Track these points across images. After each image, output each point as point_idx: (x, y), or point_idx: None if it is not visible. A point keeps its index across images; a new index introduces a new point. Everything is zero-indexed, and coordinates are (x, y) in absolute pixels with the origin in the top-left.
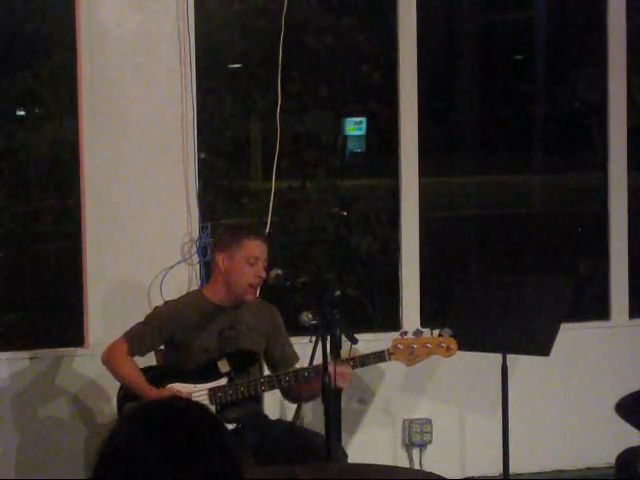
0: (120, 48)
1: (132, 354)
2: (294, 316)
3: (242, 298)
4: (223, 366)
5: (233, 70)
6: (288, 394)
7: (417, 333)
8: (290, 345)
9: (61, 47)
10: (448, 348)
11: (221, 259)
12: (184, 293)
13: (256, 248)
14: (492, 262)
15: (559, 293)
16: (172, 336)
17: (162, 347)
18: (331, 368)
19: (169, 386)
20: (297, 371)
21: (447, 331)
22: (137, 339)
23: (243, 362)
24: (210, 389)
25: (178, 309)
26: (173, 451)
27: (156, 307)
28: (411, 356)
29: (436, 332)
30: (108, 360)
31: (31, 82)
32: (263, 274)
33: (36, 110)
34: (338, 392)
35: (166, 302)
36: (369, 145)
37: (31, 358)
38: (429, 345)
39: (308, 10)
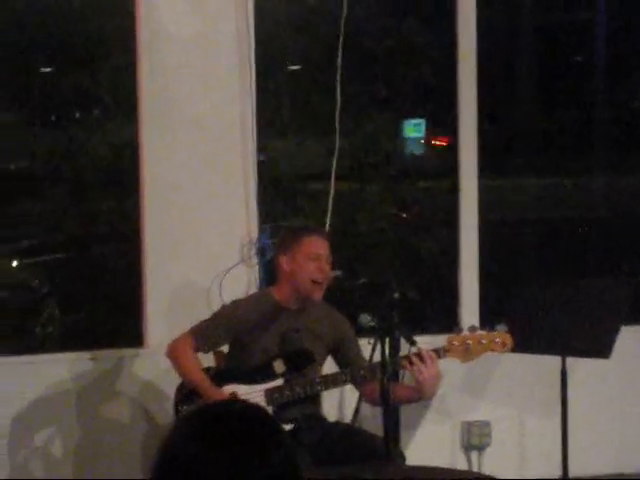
0: (179, 49)
1: (196, 350)
2: (353, 318)
3: (309, 297)
4: (278, 366)
5: (292, 71)
6: (366, 396)
7: (472, 329)
8: (360, 353)
9: (120, 48)
10: (503, 344)
11: (284, 261)
12: (246, 294)
13: (316, 244)
14: (552, 264)
15: (619, 295)
16: (237, 335)
17: (222, 348)
18: (428, 372)
19: (226, 388)
20: (353, 370)
21: (502, 327)
22: (203, 335)
23: (299, 362)
24: (266, 390)
25: (244, 308)
26: (231, 453)
27: (223, 305)
28: (466, 353)
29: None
30: (172, 354)
31: (90, 84)
32: (327, 269)
33: (95, 112)
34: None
35: (233, 301)
36: (428, 147)
37: (91, 359)
38: (484, 341)
39: (367, 12)
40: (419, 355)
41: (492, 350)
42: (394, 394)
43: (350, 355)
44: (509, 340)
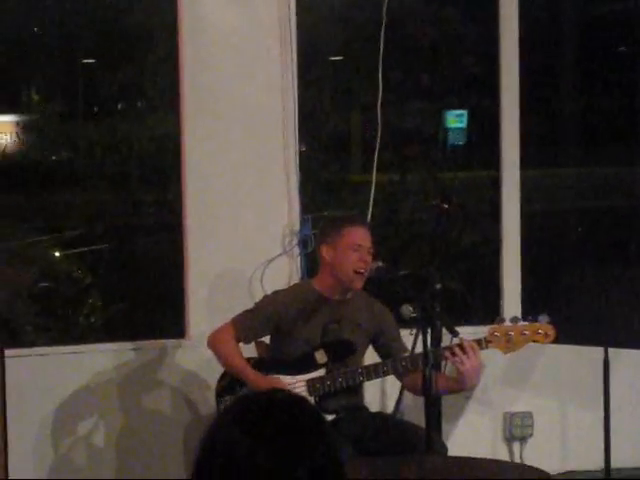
0: (221, 40)
1: (238, 340)
2: (395, 309)
3: (350, 286)
4: (320, 357)
5: (334, 62)
6: (408, 385)
7: (514, 320)
8: (401, 343)
9: (163, 40)
10: (546, 335)
11: (325, 250)
12: (287, 285)
13: (358, 235)
14: (594, 255)
15: None
16: (278, 326)
17: (263, 339)
18: (469, 363)
19: (272, 376)
20: (395, 361)
21: (544, 317)
22: (244, 326)
23: (340, 353)
24: (308, 380)
25: (286, 299)
26: (275, 444)
27: (265, 296)
28: (508, 344)
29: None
30: (214, 344)
31: (133, 76)
32: (368, 259)
33: (138, 103)
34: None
35: (275, 291)
36: (470, 137)
37: (134, 349)
38: (526, 332)
39: (410, 1)
40: (461, 346)
41: (534, 341)
42: (436, 385)
43: (391, 345)
44: (552, 331)
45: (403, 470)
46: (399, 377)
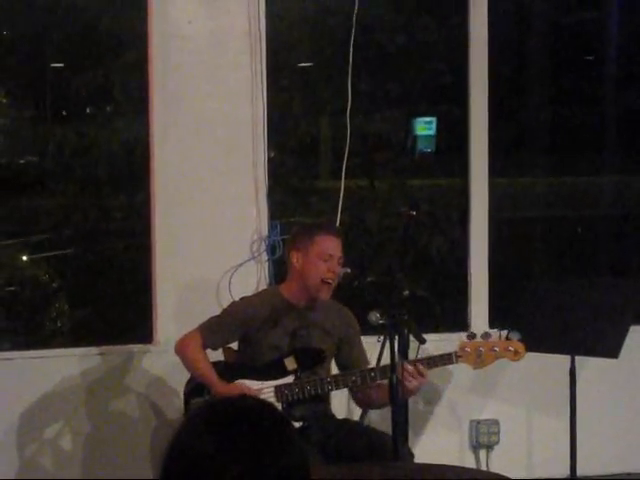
0: (191, 46)
1: (205, 346)
2: (362, 315)
3: (316, 295)
4: (290, 364)
5: (303, 69)
6: (358, 398)
7: (485, 336)
8: (363, 351)
9: (132, 45)
10: (516, 352)
11: (295, 257)
12: (255, 290)
13: (329, 244)
14: (561, 263)
15: (628, 295)
16: (246, 332)
17: (231, 345)
18: (416, 382)
19: (238, 381)
20: (364, 371)
21: (515, 334)
22: (211, 332)
23: (310, 360)
24: (276, 387)
25: (253, 305)
26: (240, 450)
27: (232, 302)
28: (478, 359)
29: (504, 335)
30: (181, 349)
31: (102, 80)
32: (337, 270)
33: (107, 108)
34: (408, 393)
35: (242, 298)
36: (439, 145)
37: (101, 354)
38: (497, 348)
39: (379, 9)
40: (417, 369)
41: (504, 357)
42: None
43: (352, 352)
44: (522, 349)
45: (368, 475)
46: (351, 391)
